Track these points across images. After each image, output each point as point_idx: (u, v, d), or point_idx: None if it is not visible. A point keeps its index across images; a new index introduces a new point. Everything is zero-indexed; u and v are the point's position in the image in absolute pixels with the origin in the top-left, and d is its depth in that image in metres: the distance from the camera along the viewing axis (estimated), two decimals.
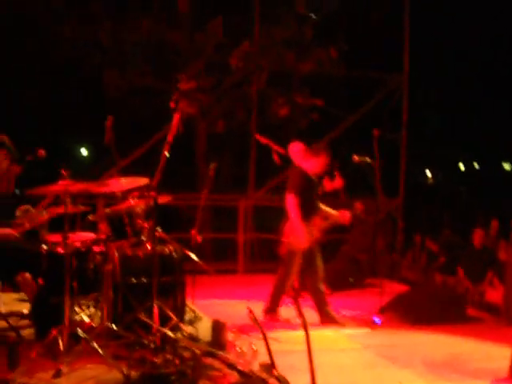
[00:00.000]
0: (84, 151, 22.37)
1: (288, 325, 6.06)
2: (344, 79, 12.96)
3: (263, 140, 6.31)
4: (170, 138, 5.19)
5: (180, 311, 5.38)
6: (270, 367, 4.34)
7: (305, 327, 3.93)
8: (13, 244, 5.27)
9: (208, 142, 14.07)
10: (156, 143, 13.14)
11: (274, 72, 12.37)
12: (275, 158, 7.19)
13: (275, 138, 13.92)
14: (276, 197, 11.60)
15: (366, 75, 12.25)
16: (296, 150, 6.56)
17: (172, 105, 5.43)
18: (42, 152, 5.74)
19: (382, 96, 12.30)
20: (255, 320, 4.35)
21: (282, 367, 4.35)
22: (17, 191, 6.25)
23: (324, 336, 5.81)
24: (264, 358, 4.36)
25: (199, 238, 6.25)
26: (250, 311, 4.34)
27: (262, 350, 4.33)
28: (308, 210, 6.15)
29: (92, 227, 5.91)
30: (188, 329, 5.27)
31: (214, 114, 13.60)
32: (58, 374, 4.29)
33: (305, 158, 6.38)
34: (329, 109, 13.03)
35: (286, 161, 7.10)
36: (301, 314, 4.17)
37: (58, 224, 6.10)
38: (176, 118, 5.18)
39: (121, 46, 12.09)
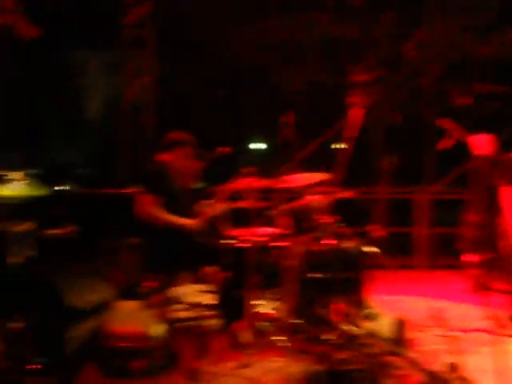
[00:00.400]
0: (262, 145, 23.00)
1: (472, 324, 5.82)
2: None
3: (445, 124, 6.05)
4: (355, 134, 5.15)
5: (360, 307, 5.33)
6: (453, 368, 4.21)
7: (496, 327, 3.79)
8: (197, 236, 5.47)
9: (385, 135, 13.92)
10: (331, 138, 13.24)
11: (450, 60, 11.98)
12: (447, 142, 6.91)
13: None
14: (455, 189, 11.25)
15: None
16: (484, 141, 6.24)
17: (352, 99, 5.38)
18: (227, 149, 5.92)
19: None
20: (437, 318, 4.23)
21: (465, 368, 4.20)
22: (200, 186, 6.49)
23: None
24: (446, 358, 4.23)
25: (380, 233, 6.18)
26: (434, 310, 4.23)
27: (445, 349, 4.21)
28: None
29: (272, 222, 6.04)
30: (368, 325, 5.22)
31: (390, 106, 13.43)
32: (243, 365, 4.43)
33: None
34: None
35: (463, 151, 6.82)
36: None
37: (238, 219, 6.31)
38: (359, 113, 5.13)
39: (297, 43, 12.25)
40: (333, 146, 14.48)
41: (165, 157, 5.62)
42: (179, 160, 5.61)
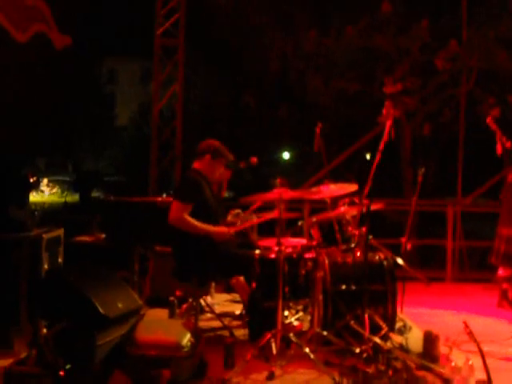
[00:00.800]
0: (286, 155, 22.97)
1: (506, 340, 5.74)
2: None
3: (493, 126, 5.96)
4: (381, 146, 5.13)
5: (390, 320, 5.29)
6: None
7: None
8: (226, 246, 5.47)
9: (413, 145, 13.83)
10: (360, 148, 13.21)
11: (483, 71, 11.88)
12: (498, 148, 6.85)
13: (485, 141, 13.39)
14: (488, 202, 11.14)
15: None
16: None
17: (383, 111, 5.37)
18: (254, 159, 5.95)
19: None
20: (471, 333, 4.17)
21: None
22: (228, 195, 6.52)
23: None
24: (481, 374, 4.18)
25: (409, 245, 6.13)
26: (466, 325, 4.17)
27: (479, 365, 4.15)
28: None
29: (301, 233, 6.03)
30: (398, 339, 5.18)
31: (419, 117, 13.34)
32: (271, 376, 4.41)
33: None
34: None
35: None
36: None
37: (267, 229, 6.32)
38: (388, 124, 5.12)
39: (325, 52, 12.25)
40: (367, 157, 14.49)
41: (197, 164, 5.66)
42: (212, 168, 5.64)
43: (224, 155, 5.67)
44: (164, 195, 11.29)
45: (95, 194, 28.18)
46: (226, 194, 6.52)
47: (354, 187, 5.38)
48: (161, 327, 4.51)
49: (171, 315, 5.92)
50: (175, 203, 5.34)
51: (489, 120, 6.01)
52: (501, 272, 6.94)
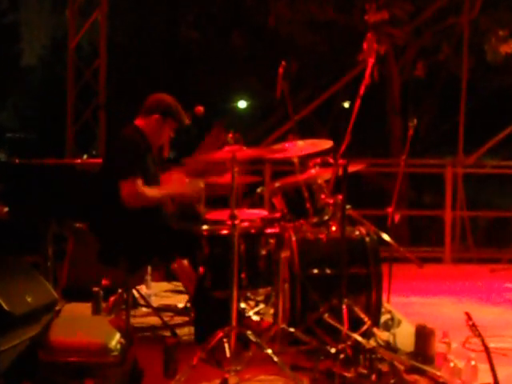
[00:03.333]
0: (242, 104, 22.86)
1: None
2: None
3: None
4: (361, 90, 5.13)
5: (374, 312, 5.36)
6: None
7: None
8: (165, 221, 5.46)
9: (403, 90, 13.92)
10: (335, 94, 13.26)
11: None
12: None
13: (495, 83, 13.56)
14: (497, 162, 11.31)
15: None
16: None
17: (364, 45, 5.36)
18: (200, 109, 5.89)
19: None
20: (474, 327, 4.25)
21: None
22: (170, 155, 6.48)
23: None
24: (486, 376, 4.27)
25: (398, 217, 6.20)
26: (468, 316, 4.25)
27: (484, 366, 4.24)
28: None
29: (261, 203, 6.04)
30: (384, 335, 5.25)
31: (411, 54, 13.42)
32: None
33: None
34: None
35: None
36: None
37: (217, 199, 6.31)
38: (370, 62, 5.11)
39: None
40: (344, 105, 14.52)
41: (140, 122, 5.60)
42: (158, 130, 5.60)
43: (177, 118, 5.62)
44: (85, 156, 11.23)
45: None
46: (168, 155, 6.47)
47: (327, 144, 5.39)
48: (82, 326, 4.49)
49: (95, 311, 5.91)
50: (126, 182, 5.27)
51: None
52: None
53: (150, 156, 5.55)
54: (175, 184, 5.52)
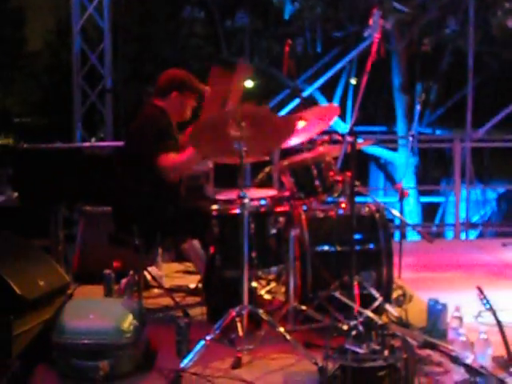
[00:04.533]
0: (249, 83, 22.81)
1: None
2: None
3: None
4: (368, 67, 5.11)
5: (386, 288, 5.37)
6: (506, 363, 4.26)
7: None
8: (175, 201, 5.47)
9: (410, 66, 13.88)
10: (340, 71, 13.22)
11: None
12: None
13: (502, 57, 13.49)
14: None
15: None
16: None
17: (370, 21, 5.33)
18: (207, 89, 5.89)
19: None
20: (486, 300, 4.26)
21: None
22: None
23: None
24: (499, 350, 4.29)
25: (406, 193, 6.18)
26: (480, 290, 4.25)
27: (496, 339, 4.25)
28: None
29: (270, 182, 6.05)
30: (396, 311, 5.27)
31: (417, 29, 13.36)
32: (237, 364, 4.45)
33: None
34: None
35: None
36: None
37: (226, 178, 6.31)
38: (376, 38, 5.10)
39: None
40: (352, 81, 14.48)
41: (159, 102, 5.59)
42: (180, 107, 5.60)
43: (195, 88, 5.61)
44: (93, 140, 11.22)
45: (3, 140, 27.78)
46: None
47: (334, 111, 5.39)
48: (94, 309, 4.52)
49: (108, 293, 5.93)
50: (161, 157, 5.29)
51: None
52: None
53: (172, 129, 5.55)
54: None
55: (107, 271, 5.99)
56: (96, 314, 4.43)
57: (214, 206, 5.31)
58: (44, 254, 5.38)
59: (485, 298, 4.25)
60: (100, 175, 6.45)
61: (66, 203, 6.94)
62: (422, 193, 13.68)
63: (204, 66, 14.06)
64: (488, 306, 4.24)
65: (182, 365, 4.31)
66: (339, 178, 5.33)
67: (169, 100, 5.56)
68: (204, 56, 14.72)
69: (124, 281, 6.01)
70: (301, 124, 5.32)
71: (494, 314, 4.23)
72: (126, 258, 5.94)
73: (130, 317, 4.42)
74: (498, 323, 4.20)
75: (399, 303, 5.64)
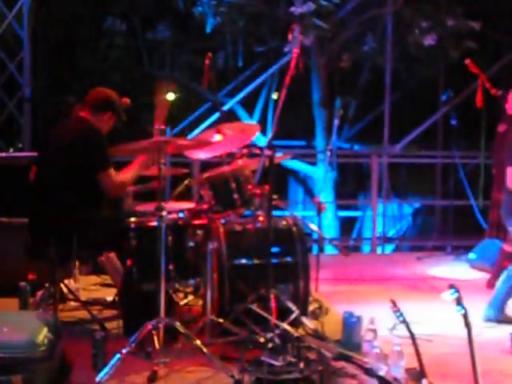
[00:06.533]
0: (171, 96, 22.76)
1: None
2: None
3: (473, 68, 5.98)
4: (287, 81, 5.15)
5: (302, 301, 5.41)
6: (418, 375, 4.33)
7: (467, 324, 3.91)
8: (93, 213, 5.42)
9: (329, 81, 14.01)
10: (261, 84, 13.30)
11: None
12: (479, 98, 6.93)
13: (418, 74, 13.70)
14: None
15: None
16: None
17: (289, 37, 5.39)
18: (126, 100, 5.86)
19: None
20: (400, 314, 4.32)
21: (434, 374, 4.33)
22: None
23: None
24: (412, 362, 4.35)
25: (324, 207, 6.23)
26: (394, 303, 4.31)
27: (410, 351, 4.32)
28: None
29: (189, 195, 6.04)
30: (312, 324, 5.31)
31: (336, 45, 13.51)
32: (153, 378, 4.42)
33: None
34: (489, 34, 12.64)
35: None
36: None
37: (145, 192, 6.28)
38: (295, 53, 5.14)
39: None
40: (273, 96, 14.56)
41: (86, 114, 5.53)
42: (105, 126, 5.58)
43: (121, 115, 5.64)
44: (11, 150, 11.04)
45: None
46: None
47: (255, 128, 5.40)
48: (8, 322, 4.43)
49: (22, 306, 5.83)
50: (104, 175, 5.30)
51: (468, 61, 6.01)
52: (506, 247, 6.99)
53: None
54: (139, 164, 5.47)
55: (22, 283, 5.88)
56: (9, 326, 4.34)
57: (132, 219, 5.30)
58: None
59: (398, 310, 4.31)
60: (16, 186, 6.35)
61: None
62: (339, 207, 13.82)
63: (124, 77, 14.00)
64: (401, 319, 4.30)
65: (97, 379, 4.27)
66: (257, 191, 5.36)
67: (100, 117, 5.55)
68: (124, 68, 14.62)
69: (39, 293, 5.91)
70: (218, 138, 5.34)
71: (408, 326, 4.29)
72: (41, 270, 5.85)
73: (45, 330, 4.34)
74: (412, 336, 4.26)
75: (315, 316, 5.69)
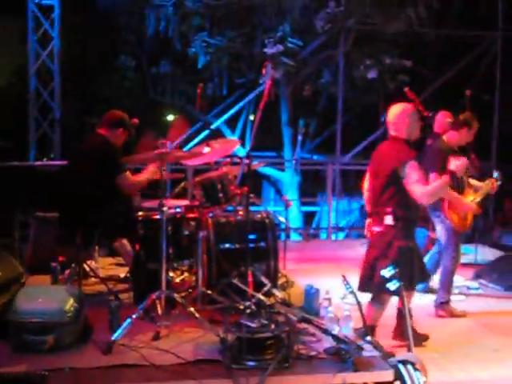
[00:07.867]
0: (171, 117, 22.71)
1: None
2: (434, 39, 12.54)
3: (410, 95, 6.00)
4: (261, 105, 5.15)
5: (273, 277, 5.41)
6: (364, 333, 4.36)
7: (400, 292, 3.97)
8: (110, 210, 5.40)
9: (294, 105, 14.02)
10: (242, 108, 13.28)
11: (360, 33, 12.14)
12: None
13: (363, 101, 13.72)
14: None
15: (457, 34, 11.87)
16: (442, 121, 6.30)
17: (263, 71, 5.38)
18: (135, 121, 5.84)
19: (473, 56, 11.88)
20: (349, 286, 4.34)
21: (377, 334, 4.36)
22: None
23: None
24: (358, 323, 4.38)
25: (290, 203, 6.23)
26: (344, 278, 4.33)
27: (356, 315, 4.34)
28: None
29: (185, 194, 6.03)
30: (281, 294, 5.31)
31: (299, 78, 13.52)
32: (156, 337, 4.41)
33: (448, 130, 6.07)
34: (418, 70, 12.71)
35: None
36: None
37: (150, 191, 6.27)
38: (268, 84, 5.14)
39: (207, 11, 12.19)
40: (250, 118, 14.57)
41: (104, 131, 5.51)
42: (119, 141, 5.56)
43: (131, 130, 5.62)
44: (45, 159, 10.98)
45: None
46: None
47: (235, 143, 5.40)
48: (43, 294, 4.41)
49: (54, 281, 5.78)
50: (122, 177, 5.28)
51: (407, 89, 6.03)
52: (431, 234, 6.96)
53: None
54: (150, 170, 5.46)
55: (54, 264, 5.84)
56: (44, 298, 4.33)
57: (140, 213, 5.29)
58: (2, 251, 5.23)
59: (348, 283, 4.33)
60: (49, 187, 6.32)
61: (22, 210, 6.76)
62: (302, 203, 13.82)
63: (134, 103, 13.98)
64: (350, 290, 4.32)
65: (113, 338, 4.25)
66: (238, 191, 5.34)
67: (114, 133, 5.52)
68: (134, 95, 14.59)
69: (67, 272, 5.88)
70: (207, 149, 5.34)
71: (355, 295, 4.32)
72: (69, 254, 5.81)
73: (72, 300, 4.33)
74: (358, 303, 4.30)
75: (283, 288, 5.69)
